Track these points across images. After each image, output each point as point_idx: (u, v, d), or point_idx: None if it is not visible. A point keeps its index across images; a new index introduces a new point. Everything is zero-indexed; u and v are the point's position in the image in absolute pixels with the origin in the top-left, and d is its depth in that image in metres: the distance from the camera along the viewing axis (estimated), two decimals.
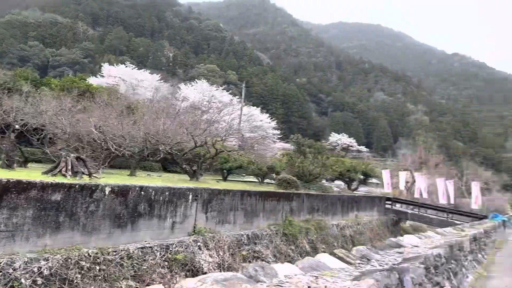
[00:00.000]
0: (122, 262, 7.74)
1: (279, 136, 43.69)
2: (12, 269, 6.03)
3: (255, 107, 48.92)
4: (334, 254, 6.85)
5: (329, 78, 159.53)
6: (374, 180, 41.44)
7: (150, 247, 8.60)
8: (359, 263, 4.97)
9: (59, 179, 8.19)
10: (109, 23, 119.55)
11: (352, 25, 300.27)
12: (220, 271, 9.45)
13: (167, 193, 9.65)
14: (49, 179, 8.11)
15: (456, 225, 18.04)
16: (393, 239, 9.11)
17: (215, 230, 10.88)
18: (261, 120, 42.52)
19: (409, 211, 29.32)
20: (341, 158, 41.88)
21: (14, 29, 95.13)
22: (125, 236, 8.53)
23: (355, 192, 30.73)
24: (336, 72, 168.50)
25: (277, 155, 30.14)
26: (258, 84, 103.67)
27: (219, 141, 18.79)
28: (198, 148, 18.32)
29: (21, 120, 15.48)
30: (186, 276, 8.74)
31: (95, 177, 10.39)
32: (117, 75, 42.56)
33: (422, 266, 5.04)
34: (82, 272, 6.93)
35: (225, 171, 25.09)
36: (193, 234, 10.11)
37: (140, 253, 8.23)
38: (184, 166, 18.24)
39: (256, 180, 27.73)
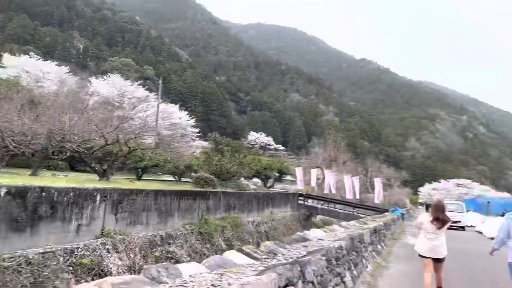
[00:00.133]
0: (20, 268, 7.11)
1: (198, 134, 43.26)
2: None
3: (173, 104, 47.81)
4: (242, 251, 7.02)
5: (248, 77, 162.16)
6: (289, 177, 43.32)
7: (53, 251, 8.00)
8: (265, 258, 5.17)
9: None
10: (11, 9, 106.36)
11: (270, 26, 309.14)
12: (131, 274, 9.10)
13: (71, 194, 8.99)
14: None
15: (360, 218, 19.14)
16: (299, 233, 9.62)
17: (126, 232, 10.43)
18: (179, 118, 41.70)
19: (319, 206, 31.02)
20: (259, 156, 43.03)
21: None
22: (24, 241, 7.80)
23: (270, 189, 31.82)
24: (255, 72, 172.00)
25: (196, 153, 29.90)
26: (177, 81, 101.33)
27: (132, 138, 17.99)
28: (109, 146, 17.33)
29: None
30: (93, 281, 8.29)
31: None
32: (19, 66, 38.72)
33: (324, 258, 5.35)
34: None
35: (139, 170, 24.17)
36: (101, 237, 9.58)
37: (41, 259, 7.62)
38: (93, 165, 17.12)
39: (173, 179, 27.20)
